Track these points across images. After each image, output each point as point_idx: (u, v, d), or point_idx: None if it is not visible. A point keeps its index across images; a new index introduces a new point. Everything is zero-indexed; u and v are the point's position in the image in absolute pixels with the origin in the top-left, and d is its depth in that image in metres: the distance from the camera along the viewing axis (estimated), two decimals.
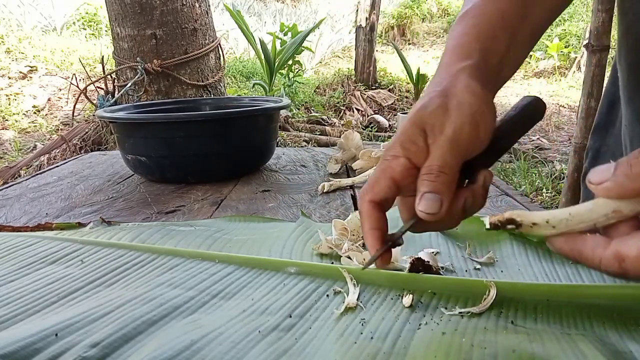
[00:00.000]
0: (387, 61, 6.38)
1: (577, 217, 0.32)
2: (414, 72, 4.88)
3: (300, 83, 5.00)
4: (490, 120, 0.39)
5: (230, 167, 0.94)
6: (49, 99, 4.24)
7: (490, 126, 0.40)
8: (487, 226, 0.37)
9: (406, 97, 5.37)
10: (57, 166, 1.11)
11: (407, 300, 0.39)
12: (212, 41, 2.24)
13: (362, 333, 0.36)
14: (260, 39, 4.18)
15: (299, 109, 4.69)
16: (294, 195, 0.81)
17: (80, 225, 0.63)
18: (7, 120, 3.94)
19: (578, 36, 6.58)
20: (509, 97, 5.23)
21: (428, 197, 0.37)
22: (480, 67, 0.43)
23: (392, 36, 7.56)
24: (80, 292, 0.43)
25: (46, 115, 4.09)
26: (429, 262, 0.44)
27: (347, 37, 6.98)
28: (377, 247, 0.40)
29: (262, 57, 4.21)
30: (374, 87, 5.43)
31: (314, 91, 5.28)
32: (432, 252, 0.48)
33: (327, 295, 0.42)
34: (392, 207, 0.41)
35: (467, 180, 0.40)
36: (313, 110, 4.84)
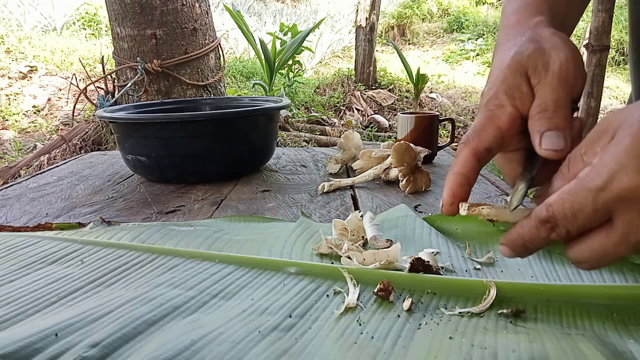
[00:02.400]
0: (387, 61, 6.38)
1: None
2: (414, 72, 4.88)
3: (300, 83, 5.00)
4: (582, 63, 0.38)
5: (230, 167, 0.94)
6: (49, 99, 4.24)
7: (584, 70, 0.38)
8: (464, 213, 0.37)
9: (406, 97, 5.37)
10: (57, 166, 1.11)
11: (407, 304, 0.39)
12: (212, 41, 2.24)
13: (362, 333, 0.36)
14: (260, 39, 4.18)
15: (299, 109, 4.68)
16: (294, 195, 0.81)
17: (80, 225, 0.63)
18: (7, 120, 3.94)
19: (578, 36, 6.58)
20: None
21: (550, 134, 0.35)
22: (551, 22, 0.42)
23: (392, 36, 7.56)
24: (80, 292, 0.43)
25: (46, 115, 4.09)
26: (429, 262, 0.45)
27: (347, 37, 6.98)
28: (455, 191, 0.38)
29: (262, 57, 4.21)
30: (374, 87, 5.43)
31: (314, 91, 5.28)
32: (432, 252, 0.48)
33: (327, 295, 0.42)
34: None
35: None
36: (313, 110, 4.84)
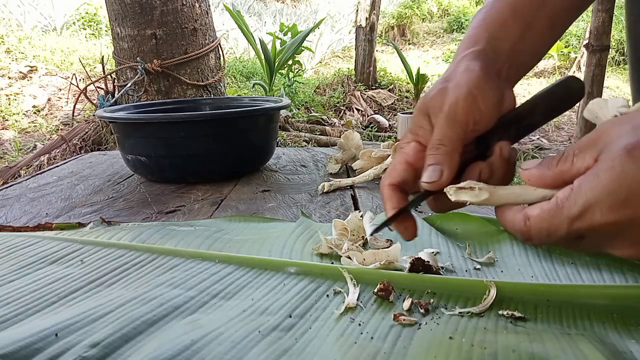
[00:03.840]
0: (387, 61, 6.38)
1: (512, 195, 0.36)
2: (414, 72, 4.88)
3: (300, 83, 5.00)
4: (490, 93, 0.41)
5: (230, 167, 0.94)
6: (49, 99, 4.24)
7: (492, 98, 0.41)
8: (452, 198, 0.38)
9: (406, 97, 5.37)
10: (57, 166, 1.11)
11: (407, 304, 0.39)
12: (212, 41, 2.24)
13: (362, 333, 0.36)
14: (260, 39, 4.18)
15: (299, 109, 4.68)
16: (294, 195, 0.81)
17: (80, 225, 0.63)
18: (7, 120, 3.94)
19: (578, 36, 6.59)
20: None
21: (429, 168, 0.40)
22: (487, 51, 0.45)
23: (392, 36, 7.56)
24: (80, 292, 0.43)
25: (46, 115, 4.09)
26: (429, 262, 0.45)
27: (347, 37, 6.98)
28: (399, 224, 0.42)
29: (262, 57, 4.21)
30: (374, 87, 5.43)
31: (314, 91, 5.28)
32: (432, 252, 0.48)
33: (327, 295, 0.42)
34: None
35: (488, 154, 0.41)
36: (313, 110, 4.84)
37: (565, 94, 0.43)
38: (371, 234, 0.45)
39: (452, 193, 0.37)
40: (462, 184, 0.37)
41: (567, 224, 0.32)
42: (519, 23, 0.48)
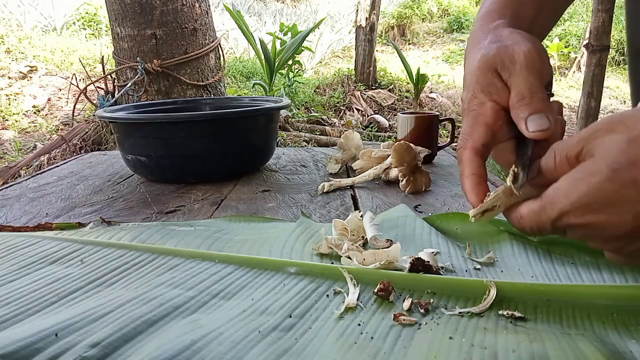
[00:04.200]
0: (387, 61, 6.38)
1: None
2: (414, 72, 4.88)
3: (300, 83, 5.00)
4: (545, 52, 0.41)
5: (230, 167, 0.94)
6: (49, 99, 4.24)
7: (548, 57, 0.41)
8: (472, 219, 0.39)
9: (406, 97, 5.37)
10: (57, 166, 1.11)
11: (407, 304, 0.39)
12: (212, 41, 2.24)
13: (362, 333, 0.36)
14: (260, 39, 4.18)
15: (299, 109, 4.68)
16: (294, 195, 0.81)
17: (80, 225, 0.63)
18: (7, 120, 3.94)
19: (578, 36, 6.59)
20: None
21: (533, 118, 0.38)
22: (513, 25, 0.45)
23: (392, 36, 7.56)
24: (80, 292, 0.43)
25: (46, 115, 4.09)
26: (429, 262, 0.45)
27: (347, 37, 6.98)
28: (473, 193, 0.40)
29: (262, 57, 4.21)
30: (374, 87, 5.43)
31: (314, 91, 5.28)
32: (432, 252, 0.48)
33: (327, 295, 0.42)
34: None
35: None
36: (313, 110, 4.84)
37: None
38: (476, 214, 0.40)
39: (475, 217, 0.39)
40: (484, 207, 0.39)
41: (550, 223, 0.35)
42: (534, 4, 0.49)
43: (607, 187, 0.32)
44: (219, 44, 2.29)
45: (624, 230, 0.33)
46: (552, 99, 0.42)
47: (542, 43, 0.52)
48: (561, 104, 0.42)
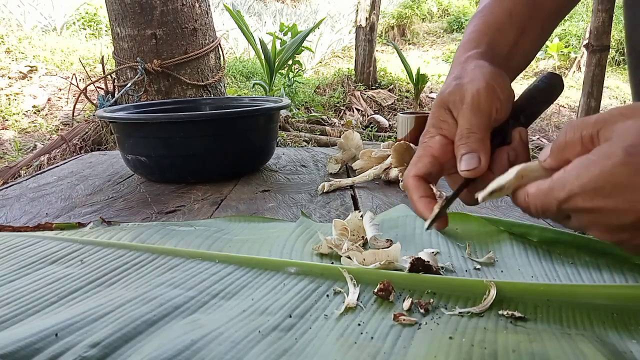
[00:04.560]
0: (387, 61, 6.38)
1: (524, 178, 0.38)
2: (414, 72, 4.88)
3: (300, 83, 5.00)
4: (505, 85, 0.43)
5: (230, 167, 0.94)
6: (49, 99, 4.24)
7: (507, 90, 0.43)
8: (480, 200, 0.39)
9: (406, 97, 5.37)
10: (57, 166, 1.11)
11: (407, 304, 0.39)
12: (212, 41, 2.24)
13: (362, 333, 0.36)
14: (260, 39, 4.18)
15: (299, 109, 4.68)
16: (294, 195, 0.81)
17: (80, 225, 0.63)
18: (7, 120, 3.93)
19: (578, 36, 6.59)
20: None
21: (466, 157, 0.41)
22: (488, 53, 0.47)
23: (392, 36, 7.56)
24: (80, 292, 0.43)
25: (46, 115, 4.09)
26: (429, 262, 0.45)
27: (347, 37, 6.98)
28: (428, 212, 0.42)
29: (262, 57, 4.21)
30: (374, 87, 5.43)
31: (314, 91, 5.27)
32: (432, 252, 0.48)
33: (327, 295, 0.42)
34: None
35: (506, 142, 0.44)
36: (313, 110, 4.84)
37: (550, 87, 0.47)
38: (427, 229, 0.44)
39: (483, 198, 0.39)
40: (490, 190, 0.38)
41: (556, 205, 0.35)
42: (514, 28, 0.50)
43: (620, 172, 0.31)
44: (219, 44, 2.29)
45: (631, 219, 0.32)
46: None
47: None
48: (524, 130, 0.44)
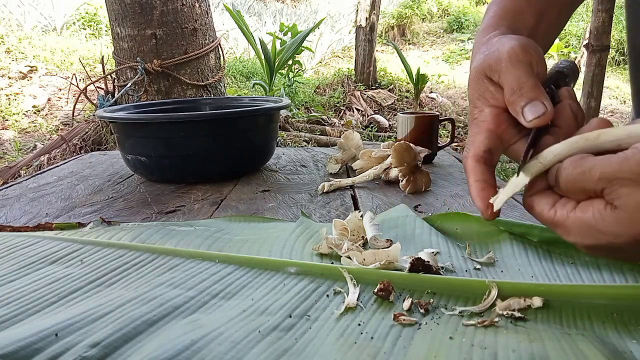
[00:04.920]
0: (387, 61, 6.38)
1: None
2: (414, 72, 4.88)
3: (300, 83, 5.00)
4: (534, 44, 0.41)
5: (230, 167, 0.94)
6: (49, 99, 4.24)
7: (539, 48, 0.41)
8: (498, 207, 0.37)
9: (406, 97, 5.37)
10: (57, 166, 1.11)
11: (407, 304, 0.39)
12: (212, 41, 2.24)
13: (362, 333, 0.36)
14: (260, 39, 4.18)
15: (299, 109, 4.68)
16: (294, 195, 0.81)
17: (80, 225, 0.63)
18: (7, 120, 3.94)
19: (578, 36, 6.59)
20: None
21: (528, 107, 0.38)
22: (509, 34, 0.45)
23: (392, 36, 7.56)
24: (80, 292, 0.43)
25: (46, 115, 4.09)
26: (429, 262, 0.45)
27: (347, 37, 6.98)
28: (479, 199, 0.39)
29: (262, 57, 4.21)
30: (374, 87, 5.43)
31: (314, 91, 5.28)
32: (432, 252, 0.48)
33: (327, 295, 0.42)
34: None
35: None
36: (313, 110, 4.84)
37: (567, 73, 0.45)
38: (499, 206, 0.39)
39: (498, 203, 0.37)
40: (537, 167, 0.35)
41: (593, 184, 0.31)
42: (533, 13, 0.50)
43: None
44: (219, 44, 2.29)
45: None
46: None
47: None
48: (571, 90, 0.41)
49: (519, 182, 0.36)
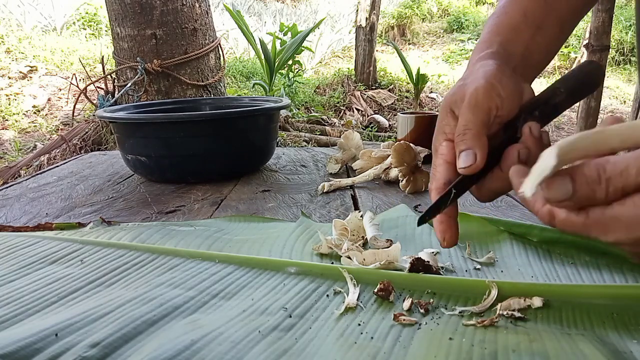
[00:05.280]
0: (387, 61, 6.38)
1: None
2: (414, 72, 4.88)
3: (300, 83, 5.00)
4: (508, 82, 0.42)
5: (230, 167, 0.94)
6: (49, 99, 4.24)
7: (510, 86, 0.42)
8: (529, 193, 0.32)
9: (406, 97, 5.37)
10: (57, 166, 1.11)
11: (407, 304, 0.39)
12: (212, 41, 2.24)
13: (362, 333, 0.36)
14: (260, 39, 4.18)
15: (299, 109, 4.68)
16: (294, 195, 0.81)
17: (80, 225, 0.63)
18: (7, 120, 3.94)
19: (578, 36, 6.58)
20: None
21: (462, 154, 0.40)
22: (500, 52, 0.47)
23: (392, 36, 7.56)
24: (80, 292, 0.43)
25: (46, 115, 4.09)
26: (429, 262, 0.45)
27: (347, 37, 6.97)
28: (439, 231, 0.42)
29: (262, 57, 4.21)
30: (374, 87, 5.43)
31: (314, 91, 5.28)
32: (432, 252, 0.48)
33: (327, 295, 0.42)
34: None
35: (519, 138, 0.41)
36: (313, 110, 4.84)
37: (584, 77, 0.45)
38: (420, 223, 0.42)
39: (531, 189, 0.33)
40: (534, 180, 0.31)
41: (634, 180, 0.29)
42: (529, 26, 0.50)
43: None
44: (219, 44, 2.29)
45: None
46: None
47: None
48: (536, 125, 0.40)
49: (546, 164, 0.30)
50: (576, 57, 6.31)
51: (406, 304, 0.39)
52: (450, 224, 0.42)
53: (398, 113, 1.07)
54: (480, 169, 0.40)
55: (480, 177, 0.41)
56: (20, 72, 4.40)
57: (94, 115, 3.08)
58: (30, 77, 4.42)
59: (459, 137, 0.41)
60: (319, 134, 3.92)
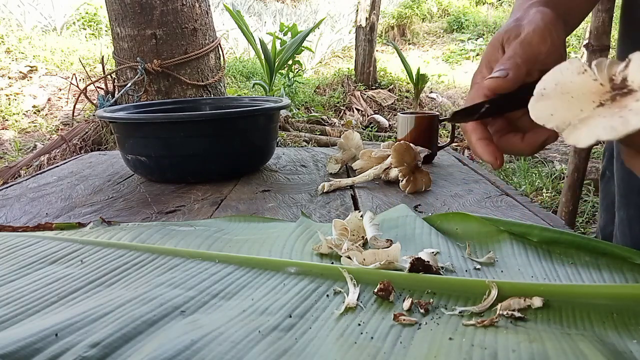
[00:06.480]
0: (387, 61, 6.38)
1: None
2: (414, 72, 4.88)
3: (300, 83, 5.00)
4: (560, 32, 0.43)
5: (230, 167, 0.94)
6: (49, 99, 4.24)
7: (561, 38, 0.43)
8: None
9: (406, 97, 5.37)
10: (57, 166, 1.11)
11: (407, 304, 0.39)
12: (212, 41, 2.24)
13: (362, 333, 0.36)
14: (260, 39, 4.18)
15: (299, 109, 4.68)
16: (294, 195, 0.81)
17: (80, 225, 0.63)
18: (7, 120, 3.94)
19: (578, 36, 6.58)
20: None
21: (496, 70, 0.40)
22: (549, 3, 0.47)
23: (392, 36, 7.56)
24: (80, 292, 0.43)
25: (46, 115, 4.09)
26: (429, 262, 0.45)
27: (347, 37, 6.98)
28: (487, 154, 0.42)
29: (262, 57, 4.21)
30: (374, 87, 5.43)
31: (314, 91, 5.27)
32: (432, 252, 0.48)
33: (327, 295, 0.42)
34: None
35: None
36: (313, 110, 4.84)
37: None
38: (449, 121, 0.44)
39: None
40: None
41: None
42: None
43: None
44: (219, 44, 2.29)
45: None
46: None
47: None
48: None
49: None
50: (576, 57, 6.31)
51: (406, 304, 0.39)
52: (494, 146, 0.42)
53: (398, 113, 1.07)
54: (507, 87, 0.39)
55: (512, 105, 0.40)
56: (20, 72, 4.40)
57: (94, 115, 3.09)
58: (30, 77, 4.42)
59: (500, 63, 0.41)
60: (319, 134, 3.92)
